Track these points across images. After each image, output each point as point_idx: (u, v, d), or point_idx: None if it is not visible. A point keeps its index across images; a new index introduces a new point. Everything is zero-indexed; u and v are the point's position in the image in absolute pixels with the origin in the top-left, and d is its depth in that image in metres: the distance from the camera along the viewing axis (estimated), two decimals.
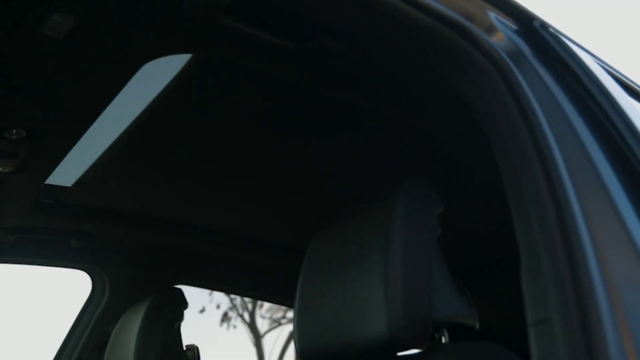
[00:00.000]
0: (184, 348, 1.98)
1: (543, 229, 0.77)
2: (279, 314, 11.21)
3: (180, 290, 2.02)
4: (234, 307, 10.87)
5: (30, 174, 1.62)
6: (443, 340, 1.12)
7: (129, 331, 1.91)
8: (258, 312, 11.10)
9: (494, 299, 1.92)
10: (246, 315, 11.04)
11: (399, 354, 1.14)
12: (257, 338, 10.93)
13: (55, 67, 1.19)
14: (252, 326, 10.96)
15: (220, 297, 10.47)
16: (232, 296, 10.61)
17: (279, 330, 11.39)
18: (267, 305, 11.07)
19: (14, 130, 1.34)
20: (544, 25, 1.13)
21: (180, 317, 1.98)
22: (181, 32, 1.10)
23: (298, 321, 1.22)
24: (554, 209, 0.78)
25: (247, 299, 10.88)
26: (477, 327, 1.16)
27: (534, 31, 1.11)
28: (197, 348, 2.02)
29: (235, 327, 10.88)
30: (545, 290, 0.73)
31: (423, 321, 1.05)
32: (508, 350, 1.08)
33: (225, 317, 10.68)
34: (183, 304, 1.99)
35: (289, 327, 11.30)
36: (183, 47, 1.14)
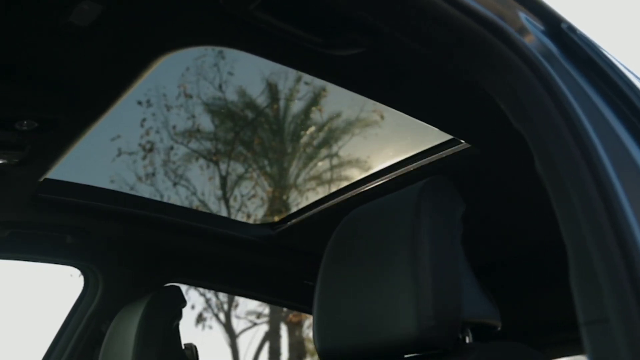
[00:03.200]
0: (183, 347, 1.95)
1: (594, 229, 0.77)
2: (255, 314, 11.18)
3: (178, 288, 1.99)
4: (209, 307, 10.80)
5: (33, 167, 1.58)
6: (467, 340, 1.12)
7: (127, 330, 1.87)
8: (233, 312, 11.06)
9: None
10: (222, 316, 10.98)
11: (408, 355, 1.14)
12: (233, 338, 10.87)
13: (74, 56, 1.16)
14: (227, 326, 10.91)
15: (195, 297, 10.40)
16: (208, 296, 10.55)
17: (254, 330, 11.36)
18: (242, 305, 11.04)
19: (25, 122, 1.30)
20: (572, 28, 1.13)
21: (179, 315, 1.95)
22: (211, 24, 1.08)
23: (318, 318, 1.20)
24: (604, 210, 0.78)
25: (223, 299, 10.83)
26: (500, 327, 1.16)
27: (563, 33, 1.11)
28: (195, 347, 1.99)
29: (210, 327, 10.82)
30: (599, 290, 0.73)
31: (453, 320, 1.05)
32: (535, 351, 1.08)
33: (200, 318, 10.61)
34: (182, 302, 1.96)
35: (265, 327, 11.27)
36: (211, 40, 1.12)
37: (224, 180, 9.45)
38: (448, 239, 1.11)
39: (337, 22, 1.08)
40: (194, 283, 2.53)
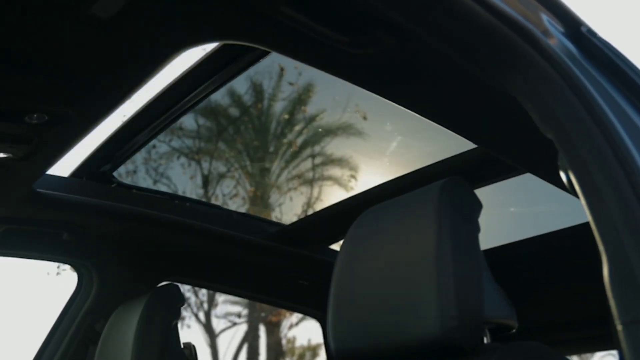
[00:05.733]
0: (182, 346, 1.93)
1: (632, 231, 0.77)
2: (234, 314, 11.13)
3: (177, 287, 1.97)
4: (188, 306, 10.73)
5: (35, 162, 1.55)
6: (485, 340, 1.12)
7: (126, 328, 1.84)
8: (213, 312, 11.00)
9: None
10: (201, 315, 10.91)
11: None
12: (212, 338, 10.81)
13: (93, 49, 1.14)
14: (207, 326, 10.84)
15: None
16: (187, 295, 10.47)
17: (234, 330, 11.32)
18: (222, 305, 10.98)
19: (35, 115, 1.27)
20: (592, 31, 1.14)
21: (178, 314, 1.93)
22: (236, 19, 1.06)
23: (334, 317, 1.19)
24: None
25: (202, 299, 10.76)
26: (516, 328, 1.17)
27: (583, 36, 1.12)
28: (194, 346, 1.97)
29: (189, 326, 10.75)
30: (638, 290, 0.74)
31: (475, 321, 1.05)
32: (555, 351, 1.09)
33: None
34: (181, 300, 1.94)
35: (244, 327, 11.23)
36: (233, 36, 1.10)
37: (205, 179, 9.40)
38: (468, 239, 1.11)
39: (363, 20, 1.07)
40: (191, 282, 2.49)
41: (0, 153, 1.42)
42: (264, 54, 1.45)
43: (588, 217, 0.85)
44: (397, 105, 1.73)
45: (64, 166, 1.85)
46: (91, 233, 2.04)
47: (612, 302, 0.77)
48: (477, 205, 1.19)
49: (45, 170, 1.65)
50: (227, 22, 1.08)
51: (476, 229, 1.15)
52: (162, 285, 2.01)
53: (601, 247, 0.81)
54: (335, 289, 1.21)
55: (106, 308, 2.11)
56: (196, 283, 2.63)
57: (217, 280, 2.46)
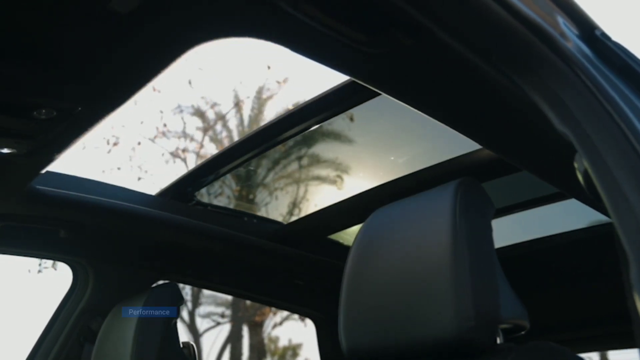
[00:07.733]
0: (181, 345, 1.91)
1: None
2: (218, 314, 11.08)
3: (176, 285, 1.96)
4: None
5: (38, 158, 1.52)
6: (498, 340, 1.13)
7: (124, 327, 1.83)
8: (197, 311, 10.94)
9: None
10: (185, 315, 10.84)
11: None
12: (196, 337, 10.75)
13: (107, 44, 1.12)
14: (191, 326, 10.78)
15: None
16: None
17: (218, 330, 11.27)
18: (206, 304, 10.92)
19: (44, 110, 1.25)
20: (605, 35, 1.15)
21: (178, 313, 1.91)
22: (253, 16, 1.05)
23: (346, 315, 1.18)
24: None
25: (186, 298, 10.69)
26: (528, 328, 1.17)
27: (597, 39, 1.13)
28: (193, 346, 1.96)
29: None
30: None
31: (491, 321, 1.05)
32: (569, 350, 1.09)
33: None
34: (180, 299, 1.93)
35: (228, 327, 11.18)
36: (250, 32, 1.09)
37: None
38: (484, 240, 1.11)
39: (381, 19, 1.07)
40: (187, 281, 2.48)
41: (5, 148, 1.40)
42: (372, 95, 1.56)
43: (612, 217, 0.85)
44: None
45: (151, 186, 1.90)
46: (88, 231, 2.02)
47: (638, 304, 0.77)
48: (490, 206, 1.19)
49: (46, 167, 1.62)
50: (244, 19, 1.07)
51: (490, 229, 1.15)
52: (161, 284, 1.99)
53: (626, 248, 0.81)
54: (348, 287, 1.20)
55: (102, 307, 2.09)
56: (193, 282, 2.61)
57: (214, 279, 2.44)
